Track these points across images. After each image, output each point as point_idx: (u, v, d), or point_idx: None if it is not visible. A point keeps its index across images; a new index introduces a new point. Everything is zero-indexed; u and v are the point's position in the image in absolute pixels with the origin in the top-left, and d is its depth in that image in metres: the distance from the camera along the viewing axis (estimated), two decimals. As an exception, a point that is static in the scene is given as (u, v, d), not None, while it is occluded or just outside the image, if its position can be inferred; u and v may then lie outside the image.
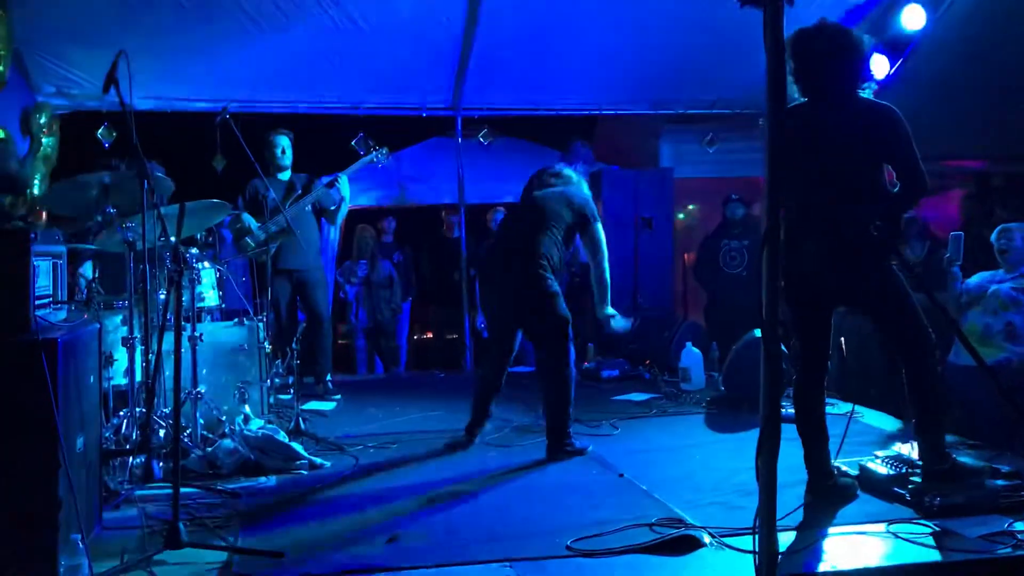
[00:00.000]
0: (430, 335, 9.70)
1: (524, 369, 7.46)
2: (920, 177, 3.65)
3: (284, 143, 6.59)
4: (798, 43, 3.73)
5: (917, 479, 3.70)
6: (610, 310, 5.06)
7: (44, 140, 6.94)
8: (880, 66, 6.99)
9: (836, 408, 5.76)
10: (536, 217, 4.89)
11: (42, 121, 6.93)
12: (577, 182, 5.14)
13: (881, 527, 3.41)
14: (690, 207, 9.72)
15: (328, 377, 6.68)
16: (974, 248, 5.40)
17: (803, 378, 3.91)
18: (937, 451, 3.70)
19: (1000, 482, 3.66)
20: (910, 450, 3.99)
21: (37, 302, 3.07)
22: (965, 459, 3.83)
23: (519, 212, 5.20)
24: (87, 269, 5.19)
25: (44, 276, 3.22)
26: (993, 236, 5.23)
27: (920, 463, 3.79)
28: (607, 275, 5.01)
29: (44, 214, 6.41)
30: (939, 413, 3.76)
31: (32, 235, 2.97)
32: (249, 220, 6.36)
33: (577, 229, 4.94)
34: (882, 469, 3.88)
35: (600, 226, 4.99)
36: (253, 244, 6.28)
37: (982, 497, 3.57)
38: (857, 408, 5.69)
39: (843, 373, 6.88)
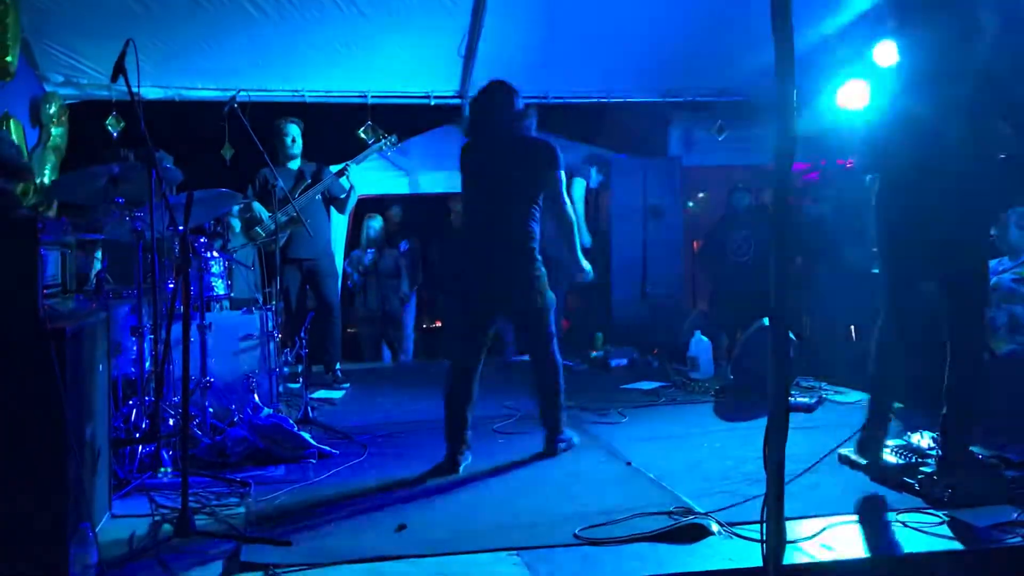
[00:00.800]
0: (439, 324, 9.71)
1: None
2: None
3: (294, 131, 6.61)
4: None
5: (927, 468, 3.69)
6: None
7: (53, 130, 6.96)
8: (890, 51, 6.93)
9: (846, 396, 5.77)
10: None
11: (51, 111, 6.95)
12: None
13: (890, 516, 3.40)
14: (700, 195, 9.68)
15: (337, 366, 6.69)
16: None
17: (886, 339, 3.89)
18: (960, 444, 3.67)
19: (1010, 472, 3.65)
20: (919, 439, 3.98)
21: (46, 291, 3.08)
22: (975, 449, 3.82)
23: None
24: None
25: (53, 265, 3.23)
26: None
27: (933, 451, 3.78)
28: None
29: (54, 204, 6.43)
30: (975, 408, 3.72)
31: (40, 224, 2.97)
32: (260, 209, 6.39)
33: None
34: (891, 458, 3.87)
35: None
36: (264, 233, 6.31)
37: (992, 487, 3.56)
38: (867, 397, 5.68)
39: (854, 360, 6.87)
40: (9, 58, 5.78)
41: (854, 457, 4.03)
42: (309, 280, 6.66)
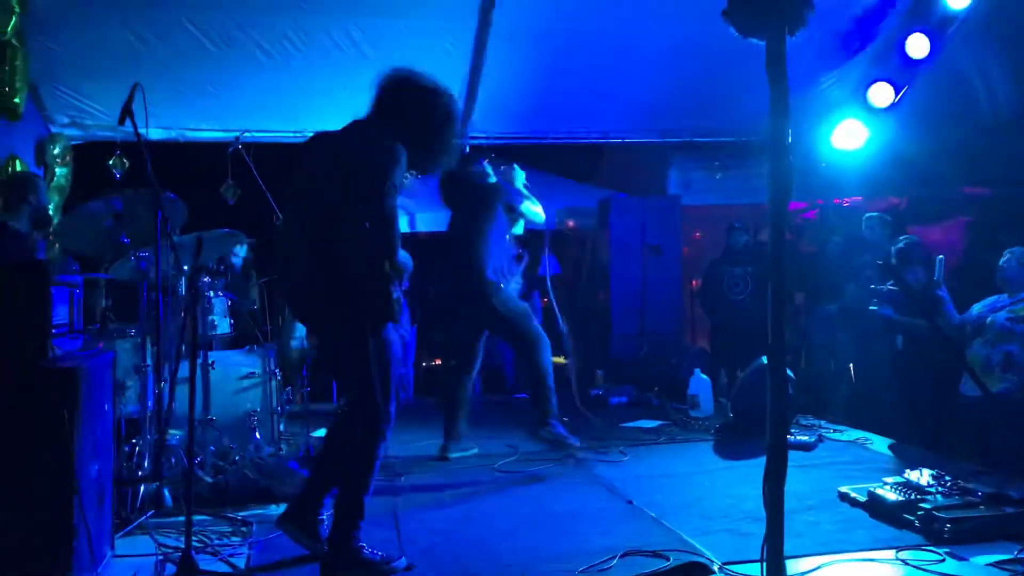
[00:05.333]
0: (438, 362, 9.71)
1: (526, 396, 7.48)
2: None
3: None
4: None
5: (926, 505, 3.70)
6: None
7: (58, 171, 7.01)
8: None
9: (846, 434, 5.78)
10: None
11: (56, 152, 7.01)
12: None
13: (890, 554, 3.41)
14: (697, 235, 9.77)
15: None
16: (976, 277, 5.41)
17: None
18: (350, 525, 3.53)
19: (1009, 508, 3.66)
20: (919, 476, 4.00)
21: (55, 331, 3.11)
22: (972, 485, 3.84)
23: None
24: None
25: (61, 306, 3.27)
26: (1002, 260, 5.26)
27: (933, 489, 3.79)
28: None
29: (57, 244, 6.46)
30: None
31: (51, 266, 3.02)
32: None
33: None
34: (891, 495, 3.88)
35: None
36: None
37: (993, 523, 3.57)
38: (866, 435, 5.70)
39: (852, 399, 6.89)
40: (17, 100, 5.85)
41: (854, 495, 4.05)
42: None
